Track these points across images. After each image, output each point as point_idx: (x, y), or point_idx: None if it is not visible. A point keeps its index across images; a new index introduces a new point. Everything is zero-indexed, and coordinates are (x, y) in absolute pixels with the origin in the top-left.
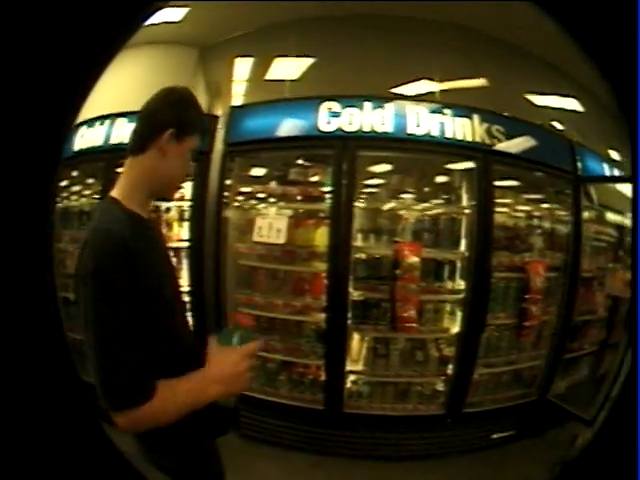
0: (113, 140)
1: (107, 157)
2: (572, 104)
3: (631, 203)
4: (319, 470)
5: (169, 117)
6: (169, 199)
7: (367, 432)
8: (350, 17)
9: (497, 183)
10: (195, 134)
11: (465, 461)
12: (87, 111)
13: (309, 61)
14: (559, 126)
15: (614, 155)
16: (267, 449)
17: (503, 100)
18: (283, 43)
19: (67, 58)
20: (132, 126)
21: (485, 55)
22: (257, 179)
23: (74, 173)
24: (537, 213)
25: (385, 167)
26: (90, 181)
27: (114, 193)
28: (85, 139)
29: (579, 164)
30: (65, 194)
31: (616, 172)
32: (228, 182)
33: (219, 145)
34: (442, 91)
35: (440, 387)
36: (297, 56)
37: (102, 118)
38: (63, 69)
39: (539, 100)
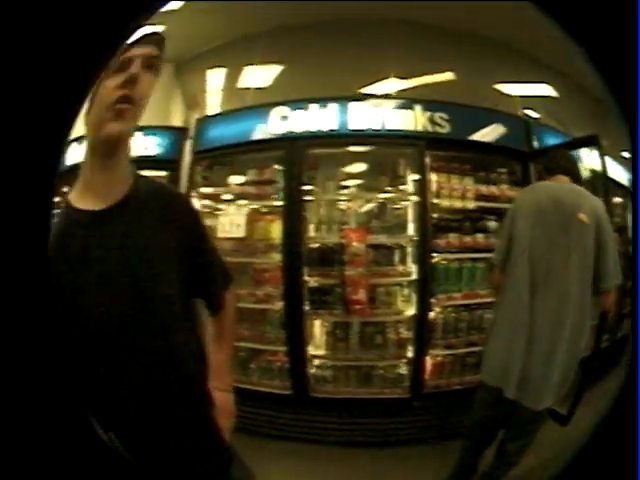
0: None
1: None
2: (544, 90)
3: (631, 202)
4: (291, 457)
5: None
6: (108, 134)
7: (335, 417)
8: (316, 24)
9: (443, 167)
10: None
11: (435, 448)
12: (78, 128)
13: (277, 68)
14: (533, 113)
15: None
16: (246, 438)
17: (471, 92)
18: (252, 53)
19: (65, 65)
20: None
21: (451, 50)
22: (220, 182)
23: (65, 188)
24: (487, 194)
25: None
26: None
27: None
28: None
29: (536, 144)
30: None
31: (594, 154)
32: (200, 188)
33: (187, 155)
34: (407, 89)
35: (403, 370)
36: (265, 64)
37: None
38: (63, 74)
39: (509, 89)
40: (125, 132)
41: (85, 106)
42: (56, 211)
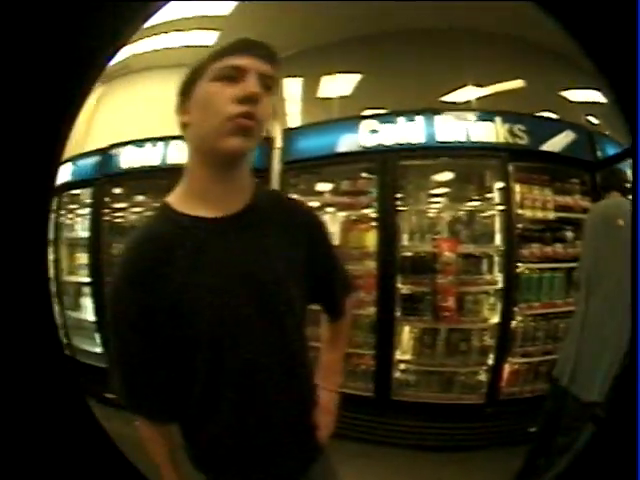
0: (169, 160)
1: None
2: (601, 97)
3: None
4: (367, 459)
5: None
6: (230, 150)
7: (413, 420)
8: (388, 34)
9: (524, 178)
10: (203, 73)
11: (503, 453)
12: (136, 132)
13: (356, 77)
14: (594, 120)
15: None
16: None
17: (539, 100)
18: (329, 62)
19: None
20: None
21: (519, 57)
22: (308, 190)
23: (118, 190)
24: (563, 204)
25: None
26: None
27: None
28: (136, 158)
29: (599, 153)
30: (110, 209)
31: None
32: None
33: (277, 164)
34: (482, 97)
35: (482, 377)
36: (343, 73)
37: (155, 140)
38: (59, 76)
39: (574, 96)
40: (250, 148)
41: (176, 103)
42: (150, 214)
